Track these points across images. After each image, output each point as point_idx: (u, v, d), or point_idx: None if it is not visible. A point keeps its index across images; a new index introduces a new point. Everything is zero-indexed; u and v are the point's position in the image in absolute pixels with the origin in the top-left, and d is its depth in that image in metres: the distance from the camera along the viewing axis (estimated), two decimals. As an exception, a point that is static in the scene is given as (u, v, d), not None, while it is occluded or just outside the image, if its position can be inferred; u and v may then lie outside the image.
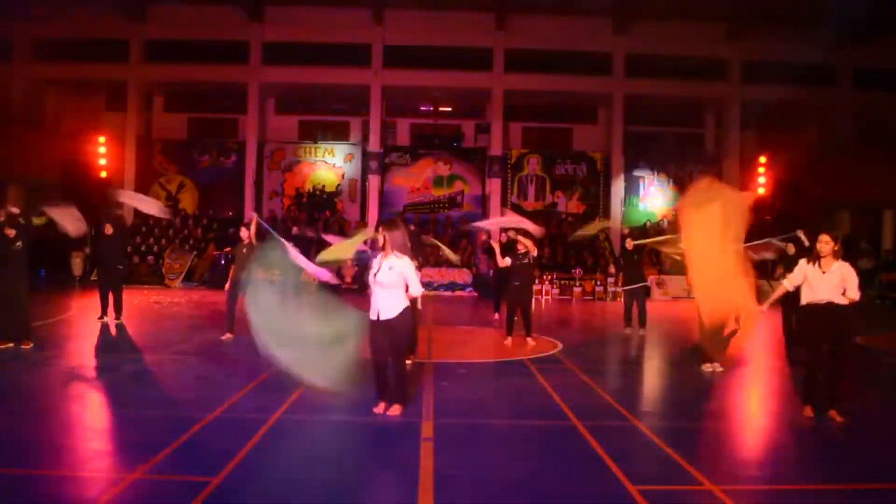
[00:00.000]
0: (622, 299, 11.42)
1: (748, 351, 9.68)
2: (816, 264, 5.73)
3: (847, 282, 5.62)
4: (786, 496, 4.16)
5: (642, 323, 10.90)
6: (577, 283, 19.31)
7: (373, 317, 5.49)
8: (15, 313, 8.08)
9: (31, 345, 8.11)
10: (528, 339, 9.55)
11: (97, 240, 10.86)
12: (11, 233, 7.87)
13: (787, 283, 6.09)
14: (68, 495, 3.86)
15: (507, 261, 9.58)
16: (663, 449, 4.81)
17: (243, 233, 9.35)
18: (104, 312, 10.78)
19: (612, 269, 18.24)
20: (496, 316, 12.37)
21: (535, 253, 9.63)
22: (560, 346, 9.45)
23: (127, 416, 5.59)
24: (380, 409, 5.61)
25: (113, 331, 10.11)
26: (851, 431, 5.47)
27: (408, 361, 7.57)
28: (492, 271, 14.79)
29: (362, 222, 21.17)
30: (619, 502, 3.87)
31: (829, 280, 5.65)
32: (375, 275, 5.46)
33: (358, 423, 5.40)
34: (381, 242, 5.53)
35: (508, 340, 9.56)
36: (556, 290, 19.27)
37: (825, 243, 5.67)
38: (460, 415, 5.85)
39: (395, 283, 5.46)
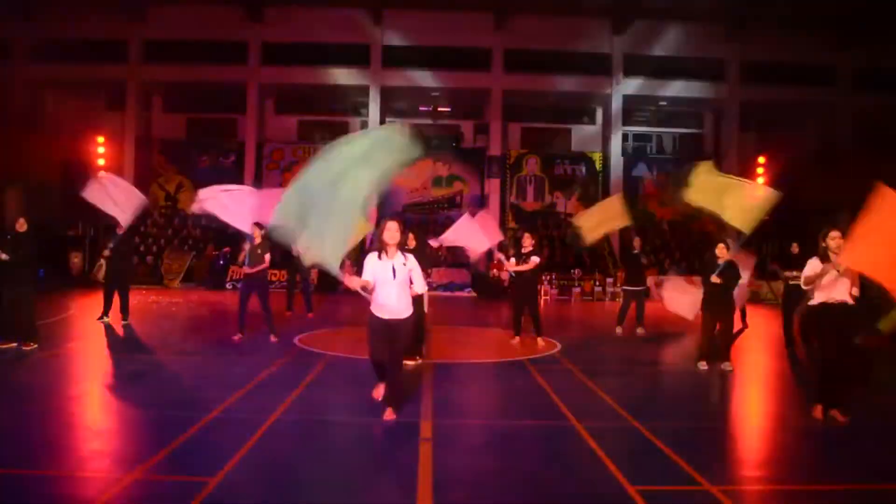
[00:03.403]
0: (621, 299, 11.49)
1: (749, 351, 9.70)
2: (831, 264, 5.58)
3: (854, 281, 5.55)
4: (785, 496, 4.15)
5: (639, 322, 11.05)
6: (577, 284, 19.32)
7: (385, 316, 5.33)
8: (21, 315, 8.06)
9: (34, 346, 8.09)
10: (539, 339, 9.54)
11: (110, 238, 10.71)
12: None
13: (804, 284, 5.90)
14: (68, 495, 3.85)
15: (513, 261, 9.50)
16: (663, 449, 4.81)
17: (255, 231, 9.31)
18: (106, 313, 10.69)
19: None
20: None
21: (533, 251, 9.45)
22: (559, 346, 9.45)
23: (127, 416, 5.59)
24: (378, 393, 5.64)
25: (113, 331, 10.09)
26: (852, 432, 5.47)
27: (412, 362, 7.58)
28: (501, 274, 14.79)
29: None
30: (618, 502, 3.87)
31: (843, 280, 5.56)
32: (394, 272, 5.23)
33: (357, 423, 5.40)
34: (399, 241, 5.26)
35: (516, 340, 9.53)
36: (555, 291, 19.27)
37: (835, 239, 5.54)
38: (460, 415, 5.85)
39: (407, 281, 5.37)
